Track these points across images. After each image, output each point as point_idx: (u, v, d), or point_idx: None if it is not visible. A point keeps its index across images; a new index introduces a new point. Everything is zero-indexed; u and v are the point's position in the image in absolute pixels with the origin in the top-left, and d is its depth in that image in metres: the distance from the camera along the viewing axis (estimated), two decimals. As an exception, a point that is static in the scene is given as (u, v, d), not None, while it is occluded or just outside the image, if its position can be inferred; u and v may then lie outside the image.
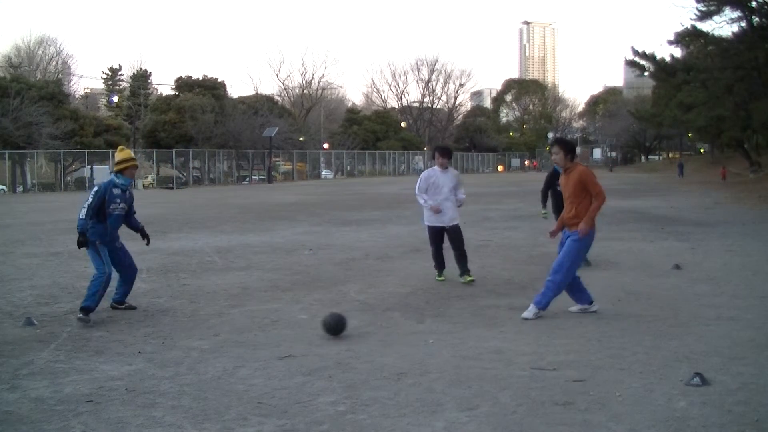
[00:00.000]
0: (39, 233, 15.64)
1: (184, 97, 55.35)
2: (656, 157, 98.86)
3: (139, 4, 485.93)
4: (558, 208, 10.64)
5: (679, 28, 46.60)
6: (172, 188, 45.97)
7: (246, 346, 5.96)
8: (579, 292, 7.06)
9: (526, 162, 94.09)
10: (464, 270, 8.75)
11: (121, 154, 7.37)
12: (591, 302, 7.06)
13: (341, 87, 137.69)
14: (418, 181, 8.97)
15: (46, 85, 50.48)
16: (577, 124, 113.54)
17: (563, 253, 6.84)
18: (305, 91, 79.66)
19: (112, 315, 7.20)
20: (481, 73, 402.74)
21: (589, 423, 4.15)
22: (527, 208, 21.71)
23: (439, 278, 8.93)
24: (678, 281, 8.89)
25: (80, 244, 7.01)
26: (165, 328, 6.59)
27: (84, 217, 6.98)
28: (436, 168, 8.93)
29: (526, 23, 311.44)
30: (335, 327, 6.13)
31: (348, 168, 69.23)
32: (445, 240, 9.02)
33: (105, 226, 7.10)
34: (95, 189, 7.20)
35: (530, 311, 6.81)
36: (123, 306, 7.45)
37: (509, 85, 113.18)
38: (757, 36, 30.47)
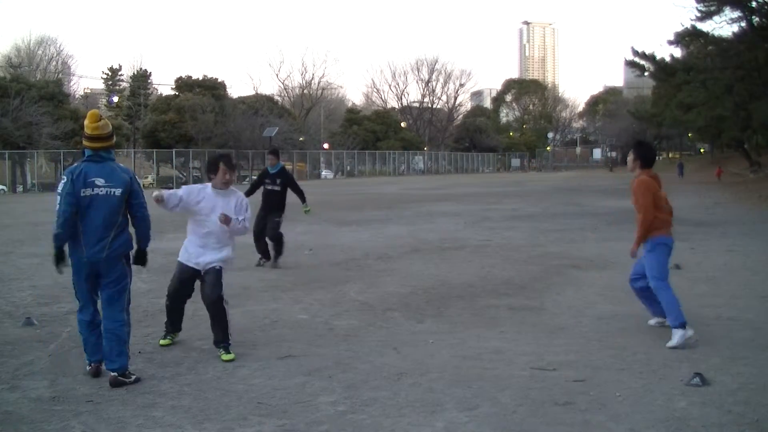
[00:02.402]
0: (39, 233, 15.63)
1: (184, 97, 55.41)
2: (656, 157, 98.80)
3: (139, 4, 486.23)
4: (263, 205, 10.53)
5: (679, 28, 46.55)
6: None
7: (246, 346, 5.95)
8: (656, 304, 6.29)
9: (527, 162, 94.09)
10: (219, 339, 5.71)
11: (105, 122, 5.09)
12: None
13: (341, 87, 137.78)
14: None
15: (46, 85, 50.56)
16: (577, 124, 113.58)
17: (647, 268, 6.14)
18: (305, 91, 79.68)
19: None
20: (481, 73, 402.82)
21: (589, 423, 4.15)
22: (527, 209, 21.72)
23: (164, 342, 6.06)
24: (678, 281, 8.87)
25: (140, 261, 5.20)
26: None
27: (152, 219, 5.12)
28: (209, 186, 5.94)
29: (526, 23, 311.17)
30: None
31: (348, 168, 69.21)
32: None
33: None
34: (128, 172, 5.10)
35: (676, 339, 5.79)
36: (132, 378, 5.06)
37: (509, 85, 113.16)
38: (757, 36, 30.45)
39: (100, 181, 4.96)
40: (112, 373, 4.92)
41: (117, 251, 5.00)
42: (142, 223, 5.14)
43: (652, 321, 6.50)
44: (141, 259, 5.25)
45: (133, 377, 5.00)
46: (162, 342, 6.07)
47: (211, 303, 5.69)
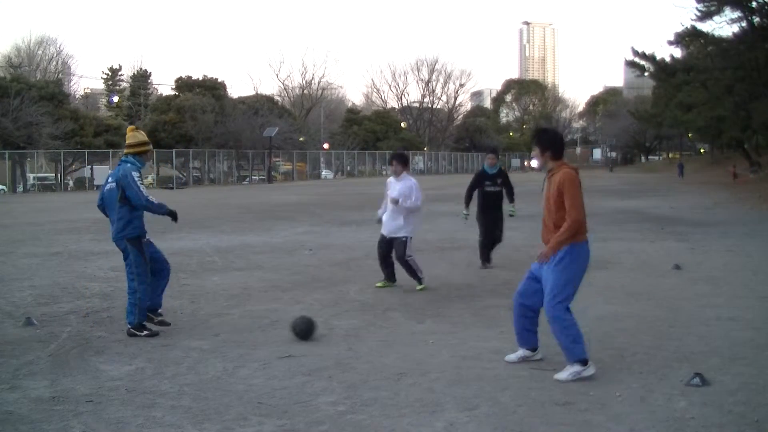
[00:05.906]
0: (39, 233, 15.64)
1: (184, 97, 55.34)
2: (656, 158, 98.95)
3: (139, 4, 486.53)
4: (484, 209, 10.13)
5: (679, 29, 46.61)
6: (172, 188, 45.90)
7: (246, 346, 5.96)
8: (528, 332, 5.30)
9: (525, 163, 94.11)
10: (415, 278, 8.50)
11: (140, 134, 6.57)
12: (535, 349, 5.34)
13: (341, 87, 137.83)
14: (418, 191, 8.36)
15: (46, 85, 50.46)
16: (577, 124, 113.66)
17: (546, 287, 5.00)
18: (305, 91, 79.59)
19: (112, 315, 7.19)
20: (481, 73, 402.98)
21: (589, 423, 4.15)
22: (527, 209, 21.70)
23: (379, 284, 8.61)
24: (678, 281, 8.89)
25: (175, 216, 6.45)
26: (165, 328, 6.58)
27: (149, 198, 6.19)
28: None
29: (526, 23, 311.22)
30: (305, 331, 6.13)
31: (348, 168, 69.20)
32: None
33: (141, 216, 6.37)
34: (132, 172, 6.23)
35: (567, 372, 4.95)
36: (159, 318, 6.54)
37: (509, 85, 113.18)
38: (757, 36, 30.47)
39: (110, 179, 6.41)
40: (127, 326, 6.27)
41: (121, 233, 6.25)
42: (144, 208, 6.27)
43: (513, 356, 5.29)
44: (172, 218, 6.50)
45: (144, 333, 6.19)
46: (378, 284, 8.58)
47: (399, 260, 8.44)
